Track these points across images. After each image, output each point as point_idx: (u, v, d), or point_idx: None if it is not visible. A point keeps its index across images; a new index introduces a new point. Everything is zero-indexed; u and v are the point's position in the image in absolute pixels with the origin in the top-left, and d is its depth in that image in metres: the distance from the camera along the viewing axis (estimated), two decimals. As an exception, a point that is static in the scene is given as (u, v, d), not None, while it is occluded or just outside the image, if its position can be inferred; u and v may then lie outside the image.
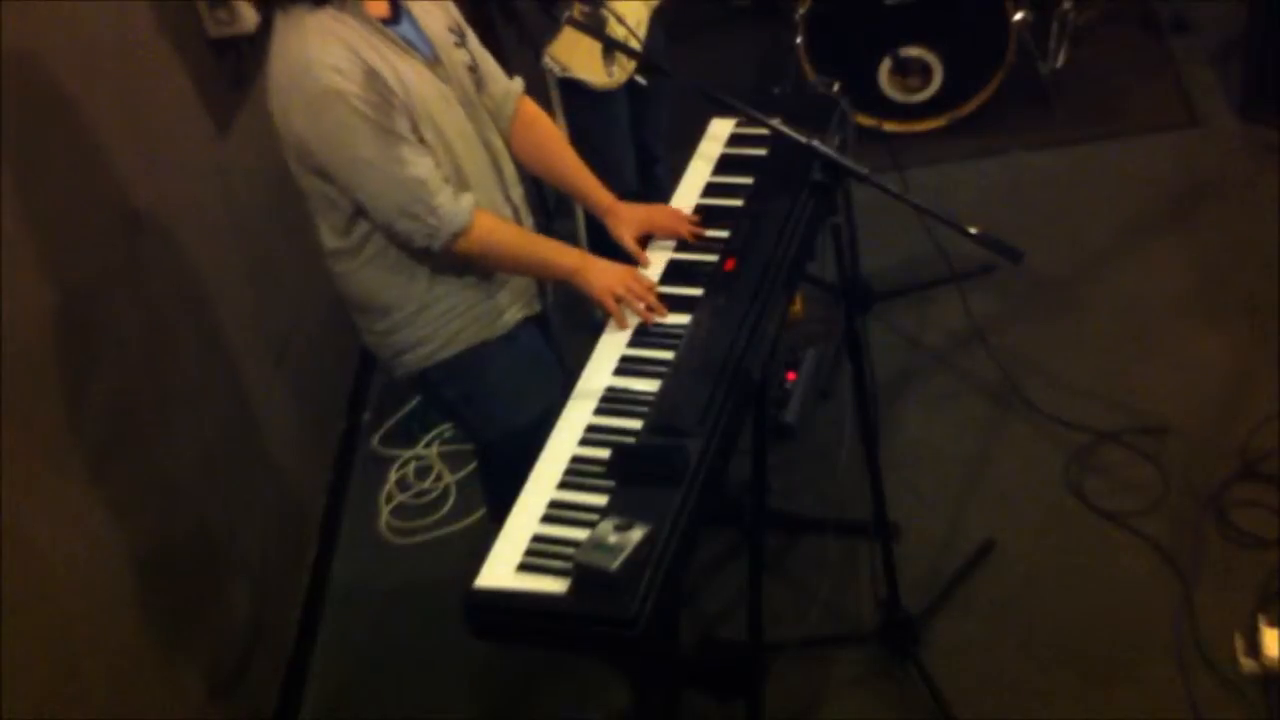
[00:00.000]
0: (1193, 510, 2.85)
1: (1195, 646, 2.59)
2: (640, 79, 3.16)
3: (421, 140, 2.15)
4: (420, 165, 2.11)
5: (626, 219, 2.41)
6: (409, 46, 2.16)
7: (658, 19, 3.20)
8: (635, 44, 3.01)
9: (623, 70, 3.09)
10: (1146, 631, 2.64)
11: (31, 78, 2.20)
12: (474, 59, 2.33)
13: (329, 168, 2.13)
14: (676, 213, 2.42)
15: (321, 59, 2.02)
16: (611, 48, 3.01)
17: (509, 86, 2.44)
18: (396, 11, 2.19)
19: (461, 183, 2.24)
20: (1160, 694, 2.53)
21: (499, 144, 2.37)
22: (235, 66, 3.09)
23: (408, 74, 2.12)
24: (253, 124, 3.14)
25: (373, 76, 2.05)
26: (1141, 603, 2.70)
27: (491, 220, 2.22)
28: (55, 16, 2.32)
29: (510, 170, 2.39)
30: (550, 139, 2.50)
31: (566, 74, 3.02)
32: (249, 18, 2.95)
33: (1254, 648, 2.51)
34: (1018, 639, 2.69)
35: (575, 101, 3.11)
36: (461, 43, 2.31)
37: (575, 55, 2.98)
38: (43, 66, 2.25)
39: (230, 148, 3.03)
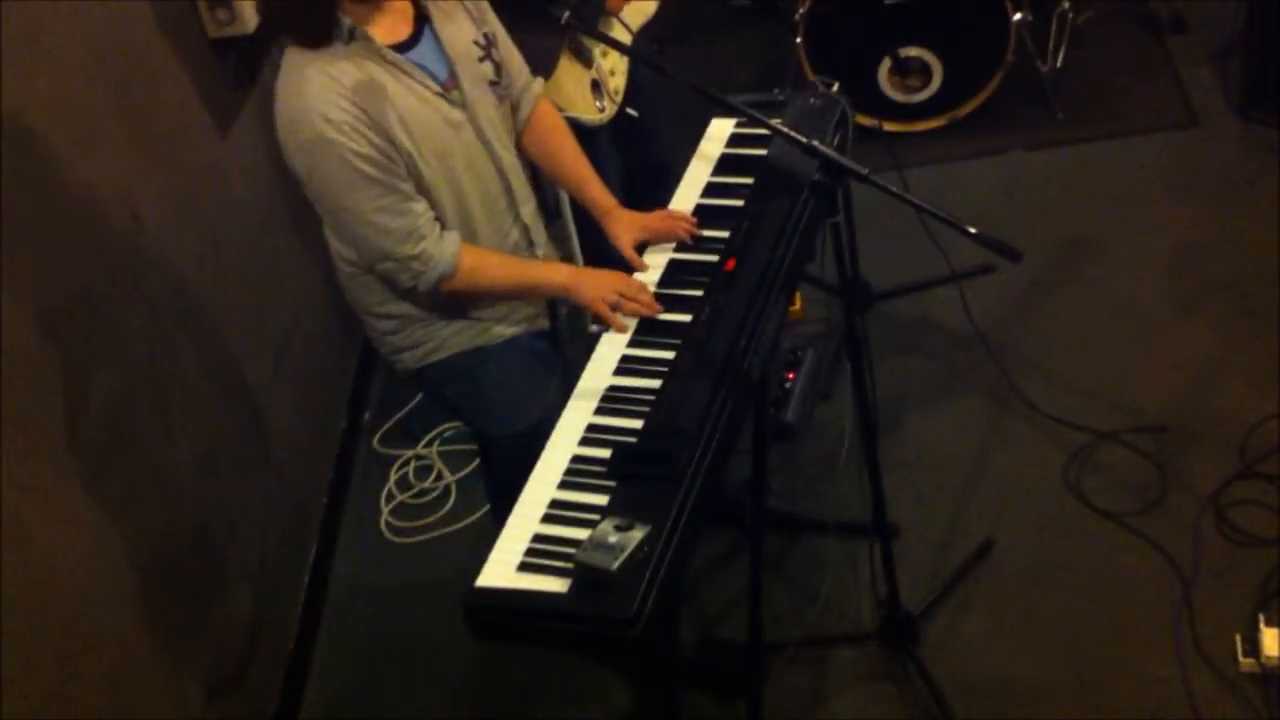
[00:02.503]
0: (1192, 509, 2.85)
1: (1194, 645, 2.59)
2: (631, 111, 3.16)
3: (420, 180, 2.16)
4: (406, 214, 2.13)
5: (624, 224, 2.41)
6: (422, 73, 2.16)
7: (647, 30, 3.19)
8: (621, 71, 3.03)
9: (611, 104, 3.09)
10: (1146, 631, 2.64)
11: (31, 78, 2.20)
12: (497, 69, 2.32)
13: (320, 205, 2.18)
14: (671, 216, 2.42)
15: (316, 107, 2.03)
16: (618, 51, 3.01)
17: (530, 85, 2.44)
18: (418, 32, 2.18)
19: (464, 214, 2.26)
20: (1159, 693, 2.53)
21: (510, 159, 2.36)
22: (235, 66, 3.08)
23: (413, 108, 2.13)
24: (253, 124, 3.14)
25: (369, 123, 2.05)
26: (1141, 602, 2.70)
27: (475, 257, 2.23)
28: (55, 16, 2.32)
29: (521, 187, 2.39)
30: (558, 137, 2.50)
31: (561, 114, 3.02)
32: (249, 18, 2.95)
33: (1253, 647, 2.52)
34: (1017, 638, 2.69)
35: None
36: (486, 54, 2.29)
37: (567, 93, 2.99)
38: (43, 66, 2.25)
39: (230, 148, 3.03)
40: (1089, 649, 2.64)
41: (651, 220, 2.41)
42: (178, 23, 2.81)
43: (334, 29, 2.06)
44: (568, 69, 2.96)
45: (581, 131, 3.01)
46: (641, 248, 2.40)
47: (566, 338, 2.65)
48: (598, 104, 3.03)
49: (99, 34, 2.48)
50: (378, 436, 3.56)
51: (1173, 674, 2.55)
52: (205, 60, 2.94)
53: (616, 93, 3.10)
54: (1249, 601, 2.63)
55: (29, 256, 2.13)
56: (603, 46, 2.98)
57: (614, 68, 3.07)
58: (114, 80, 2.51)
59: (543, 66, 2.92)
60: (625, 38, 3.04)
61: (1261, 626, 2.53)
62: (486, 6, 2.33)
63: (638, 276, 2.33)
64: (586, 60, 3.00)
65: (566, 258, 3.43)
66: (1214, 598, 2.67)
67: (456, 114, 2.22)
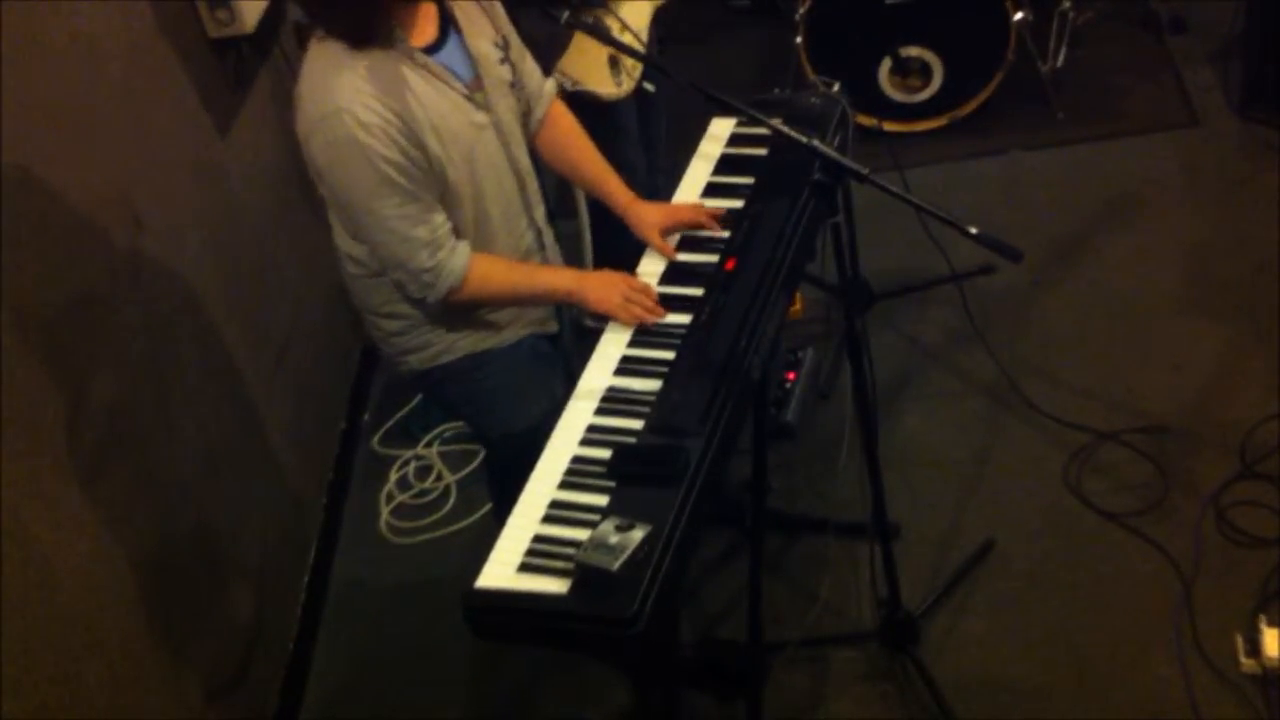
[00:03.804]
0: (1193, 510, 2.85)
1: (1195, 646, 2.59)
2: (648, 86, 3.17)
3: (446, 183, 2.15)
4: (426, 225, 2.12)
5: (648, 216, 2.41)
6: (450, 75, 2.15)
7: (656, 23, 3.20)
8: (639, 47, 3.02)
9: (630, 79, 3.10)
10: (1146, 631, 2.64)
11: (31, 78, 2.20)
12: (515, 71, 2.32)
13: (338, 204, 2.16)
14: (696, 206, 2.43)
15: (349, 107, 2.00)
16: (619, 51, 3.02)
17: (543, 86, 2.45)
18: (444, 34, 2.17)
19: (481, 216, 2.25)
20: (1160, 693, 2.53)
21: (526, 162, 2.36)
22: (235, 67, 3.09)
23: (444, 113, 2.12)
24: (253, 124, 3.14)
25: (400, 129, 2.04)
26: (1141, 602, 2.70)
27: (484, 266, 2.23)
28: (55, 16, 2.32)
29: (534, 188, 2.40)
30: (574, 136, 2.51)
31: (578, 88, 3.02)
32: (249, 18, 2.95)
33: (1254, 647, 2.52)
34: (1018, 638, 2.69)
35: (583, 114, 3.12)
36: (505, 56, 2.29)
37: (584, 68, 2.99)
38: (43, 66, 2.25)
39: (230, 148, 3.03)
40: (1089, 649, 2.64)
41: (678, 210, 2.42)
42: (178, 23, 2.81)
43: (378, 30, 2.04)
44: (586, 45, 2.96)
45: (601, 107, 3.02)
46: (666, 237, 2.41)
47: (570, 339, 2.65)
48: (615, 79, 3.04)
49: (99, 34, 2.48)
50: (378, 436, 3.56)
51: (1173, 674, 2.55)
52: (205, 60, 2.94)
53: (635, 68, 3.11)
54: (1249, 602, 2.63)
55: (29, 257, 2.13)
56: (620, 22, 2.98)
57: (631, 44, 3.07)
58: (114, 80, 2.51)
59: (558, 47, 2.92)
60: (630, 38, 3.04)
61: (1262, 627, 2.53)
62: (500, 9, 2.33)
63: (643, 266, 2.33)
64: (600, 32, 3.00)
65: (578, 256, 3.44)
66: (1214, 598, 2.67)
67: (481, 116, 2.21)
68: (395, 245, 2.13)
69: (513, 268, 2.33)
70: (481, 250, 2.25)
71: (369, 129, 2.01)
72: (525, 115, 2.39)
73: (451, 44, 2.18)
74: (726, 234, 2.36)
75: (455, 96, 2.16)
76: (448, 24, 2.19)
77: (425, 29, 2.14)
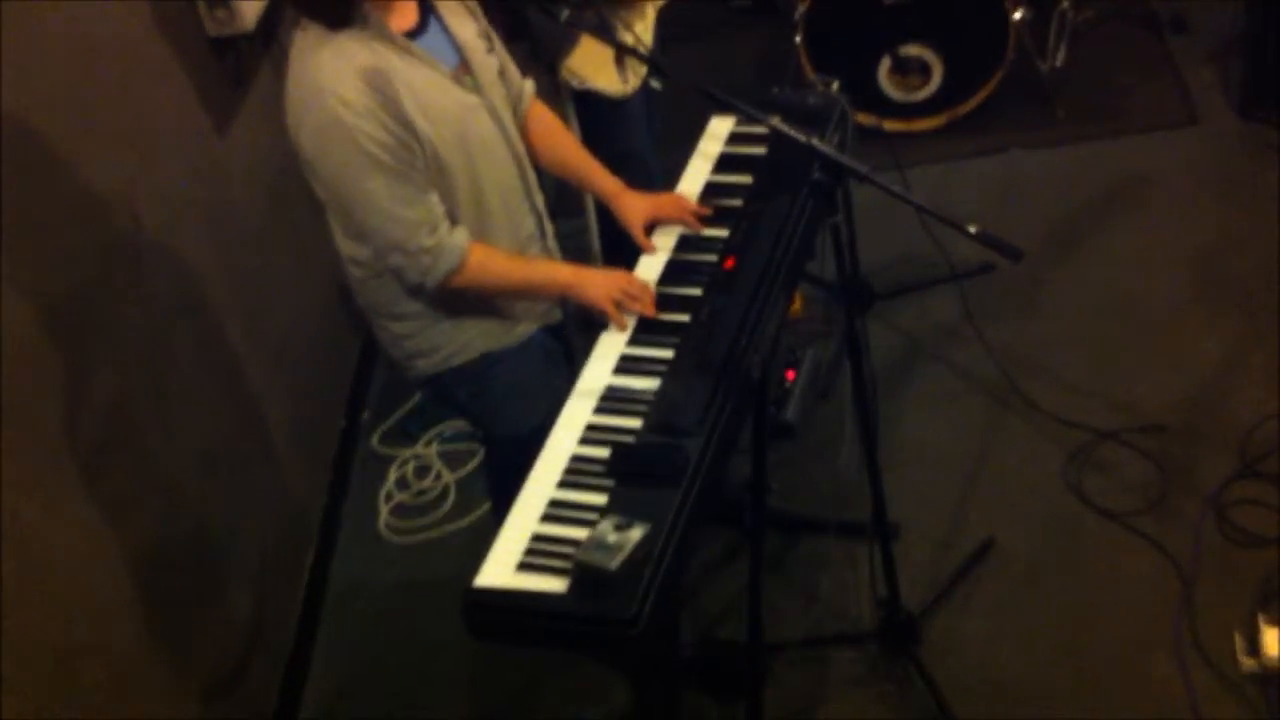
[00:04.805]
0: (1192, 509, 2.85)
1: (1195, 645, 2.59)
2: (654, 83, 3.17)
3: (440, 164, 2.14)
4: (421, 205, 2.12)
5: (633, 206, 2.41)
6: (433, 60, 2.15)
7: (661, 20, 3.20)
8: (643, 49, 3.02)
9: (636, 76, 3.10)
10: (1146, 630, 2.64)
11: (31, 78, 2.20)
12: (502, 64, 2.33)
13: (331, 193, 2.15)
14: (682, 201, 2.42)
15: (333, 88, 2.00)
16: (620, 51, 3.02)
17: (523, 85, 2.45)
18: (424, 21, 2.17)
19: (479, 201, 2.25)
20: (1160, 693, 2.53)
21: (523, 150, 2.36)
22: (235, 66, 3.08)
23: (430, 92, 2.11)
24: (252, 124, 3.14)
25: (386, 108, 2.03)
26: (1141, 602, 2.70)
27: (483, 252, 2.22)
28: (55, 16, 2.32)
29: (533, 176, 2.40)
30: (557, 130, 2.51)
31: (585, 86, 3.02)
32: (248, 17, 2.95)
33: (1254, 646, 2.51)
34: (1018, 638, 2.69)
35: (592, 112, 3.12)
36: (491, 49, 2.30)
37: (591, 66, 2.98)
38: (42, 66, 2.25)
39: (230, 147, 3.03)
40: (1089, 649, 2.64)
41: (662, 202, 2.41)
42: (177, 22, 2.81)
43: (354, 10, 2.04)
44: (592, 43, 2.97)
45: (611, 103, 3.02)
46: (650, 229, 2.40)
47: (572, 330, 2.65)
48: (621, 77, 3.04)
49: (99, 34, 2.47)
50: (377, 436, 3.56)
51: (1173, 674, 2.55)
52: (205, 60, 2.94)
53: (640, 64, 3.11)
54: (1249, 601, 2.63)
55: (29, 256, 2.13)
56: (626, 19, 2.98)
57: (637, 42, 3.07)
58: (114, 80, 2.51)
59: (563, 41, 2.92)
60: (632, 37, 3.05)
61: (1262, 626, 2.52)
62: (478, 9, 2.34)
63: (642, 265, 2.33)
64: (601, 31, 3.00)
65: (583, 252, 3.44)
66: (1214, 597, 2.67)
67: (471, 98, 2.21)
68: (391, 227, 2.12)
69: (512, 258, 2.32)
70: (480, 236, 2.24)
71: (353, 108, 2.00)
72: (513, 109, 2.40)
73: (433, 30, 2.18)
74: (725, 233, 2.36)
75: (439, 77, 2.15)
76: (428, 13, 2.19)
77: (405, 14, 2.14)
